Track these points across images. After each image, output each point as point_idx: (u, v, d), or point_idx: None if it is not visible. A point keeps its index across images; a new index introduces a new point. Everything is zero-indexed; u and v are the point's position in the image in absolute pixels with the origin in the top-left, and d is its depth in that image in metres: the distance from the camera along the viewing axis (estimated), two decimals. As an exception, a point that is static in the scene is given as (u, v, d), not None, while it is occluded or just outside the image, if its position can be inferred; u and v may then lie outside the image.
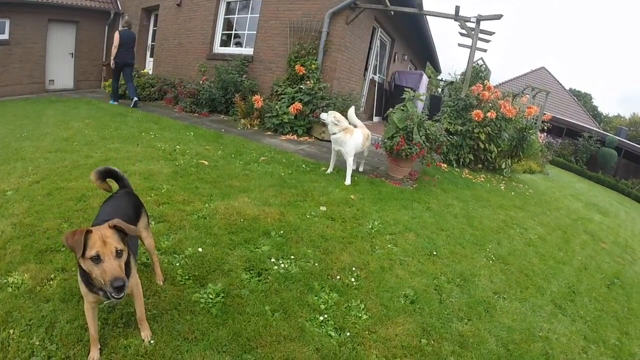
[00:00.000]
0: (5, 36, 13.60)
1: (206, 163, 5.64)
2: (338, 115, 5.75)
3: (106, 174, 2.67)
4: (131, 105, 10.64)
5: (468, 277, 3.53)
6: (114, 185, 2.79)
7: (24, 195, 4.12)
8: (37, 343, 2.16)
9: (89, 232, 1.85)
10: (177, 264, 3.01)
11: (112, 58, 10.89)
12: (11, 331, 2.23)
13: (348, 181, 5.52)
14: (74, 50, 15.80)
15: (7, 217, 3.60)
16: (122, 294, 1.84)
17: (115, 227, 1.92)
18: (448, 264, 3.71)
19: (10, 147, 5.98)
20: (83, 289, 2.01)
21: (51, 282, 2.67)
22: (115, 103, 11.33)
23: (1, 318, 2.31)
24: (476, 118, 7.80)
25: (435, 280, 3.34)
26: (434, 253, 3.85)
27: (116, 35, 10.81)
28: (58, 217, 3.63)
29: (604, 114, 55.26)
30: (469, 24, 8.27)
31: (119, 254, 1.86)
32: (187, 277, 2.86)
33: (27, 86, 14.23)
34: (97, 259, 1.82)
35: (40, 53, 14.56)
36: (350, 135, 5.66)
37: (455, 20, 8.37)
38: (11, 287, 2.60)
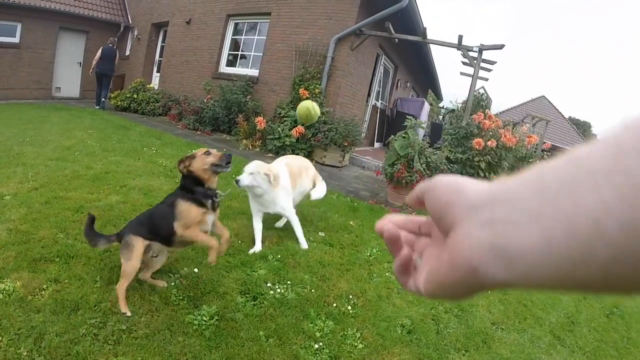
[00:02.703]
0: (16, 40, 13.96)
1: (206, 182, 5.66)
2: (260, 163, 3.99)
3: None
4: (98, 106, 13.03)
5: (466, 307, 3.51)
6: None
7: (22, 201, 4.13)
8: (25, 354, 2.14)
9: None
10: (172, 284, 2.99)
11: (92, 68, 13.18)
12: None
13: (304, 244, 4.04)
14: (82, 60, 16.10)
15: (3, 222, 3.59)
16: (230, 164, 2.82)
17: None
18: (446, 294, 3.70)
19: (12, 150, 6.02)
20: (195, 211, 2.63)
21: (43, 292, 2.65)
22: (97, 107, 13.09)
23: None
24: (477, 146, 7.83)
25: (432, 310, 3.32)
26: (432, 283, 3.84)
27: (99, 49, 13.18)
28: (54, 226, 3.62)
29: (603, 142, 55.56)
30: (471, 53, 8.40)
31: None
32: (181, 297, 2.85)
33: (33, 91, 14.48)
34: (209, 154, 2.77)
35: (49, 59, 14.88)
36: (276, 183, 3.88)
37: (458, 49, 8.50)
38: (2, 293, 2.58)
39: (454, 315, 3.35)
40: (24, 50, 14.20)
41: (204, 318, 2.66)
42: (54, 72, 15.36)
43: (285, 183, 4.03)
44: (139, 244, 2.63)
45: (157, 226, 2.72)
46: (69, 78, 15.98)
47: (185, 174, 2.75)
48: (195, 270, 3.22)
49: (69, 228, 3.62)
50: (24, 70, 14.36)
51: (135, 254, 2.60)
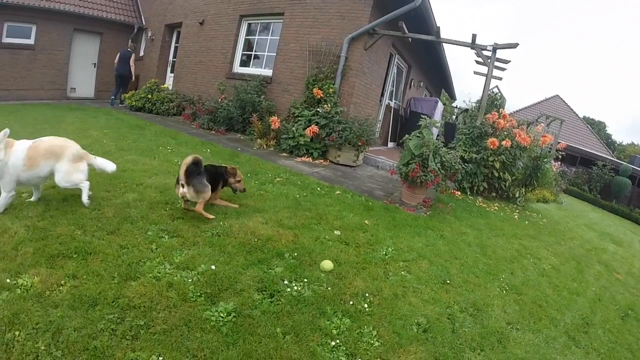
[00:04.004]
0: (31, 41, 14.16)
1: (221, 181, 5.70)
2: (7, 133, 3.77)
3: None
4: (110, 103, 14.15)
5: (481, 306, 3.51)
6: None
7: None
8: (42, 348, 2.17)
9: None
10: (190, 280, 3.01)
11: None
12: (17, 333, 2.24)
13: None
14: (97, 61, 16.31)
15: (21, 219, 3.65)
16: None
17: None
18: (461, 293, 3.68)
19: None
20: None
21: (61, 288, 2.69)
22: (112, 107, 13.71)
23: (8, 319, 2.33)
24: (491, 146, 7.80)
25: (448, 309, 3.32)
26: (447, 281, 3.83)
27: (118, 53, 14.62)
28: (72, 223, 3.67)
29: (618, 142, 54.97)
30: (485, 52, 8.34)
31: None
32: (199, 294, 2.87)
33: (48, 92, 14.70)
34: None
35: (64, 61, 15.09)
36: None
37: (472, 48, 8.45)
38: (20, 288, 2.62)
39: (470, 315, 3.35)
40: (39, 52, 14.40)
41: (222, 314, 2.67)
42: (69, 73, 15.56)
43: (15, 161, 3.70)
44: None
45: None
46: (83, 79, 16.18)
47: None
48: (213, 267, 3.24)
49: (87, 225, 3.66)
50: (39, 71, 14.57)
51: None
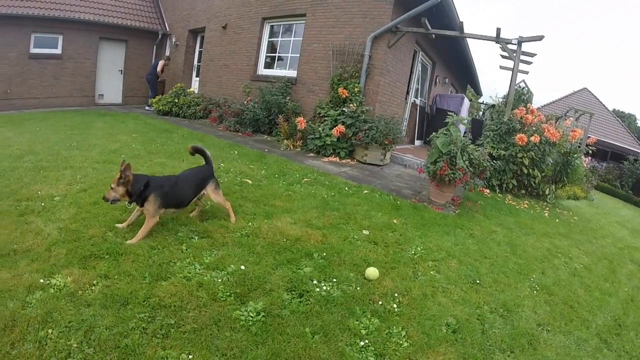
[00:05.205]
0: (58, 51, 14.55)
1: (250, 182, 5.75)
2: None
3: (198, 151, 4.20)
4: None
5: (511, 307, 3.46)
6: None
7: (71, 201, 4.32)
8: (75, 345, 2.23)
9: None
10: (219, 280, 3.06)
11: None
12: (50, 331, 2.31)
13: None
14: (123, 68, 16.64)
15: (54, 222, 3.78)
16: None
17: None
18: (491, 293, 3.64)
19: (60, 155, 6.28)
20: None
21: (93, 288, 2.77)
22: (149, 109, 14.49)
23: (41, 317, 2.40)
24: (520, 142, 7.67)
25: (478, 310, 3.29)
26: (477, 281, 3.80)
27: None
28: (103, 225, 3.78)
29: (649, 135, 53.23)
30: (510, 46, 8.21)
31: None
32: (228, 293, 2.91)
33: (77, 99, 15.08)
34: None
35: (90, 68, 15.45)
36: None
37: (497, 42, 8.33)
38: (53, 288, 2.71)
39: (500, 315, 3.30)
40: (67, 61, 14.84)
41: (251, 314, 2.71)
42: (96, 80, 15.96)
43: None
44: None
45: None
46: (111, 85, 16.57)
47: None
48: (242, 267, 3.29)
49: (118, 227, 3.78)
50: (67, 80, 15.00)
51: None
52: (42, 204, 4.21)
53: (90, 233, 3.59)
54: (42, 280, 2.78)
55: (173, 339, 2.39)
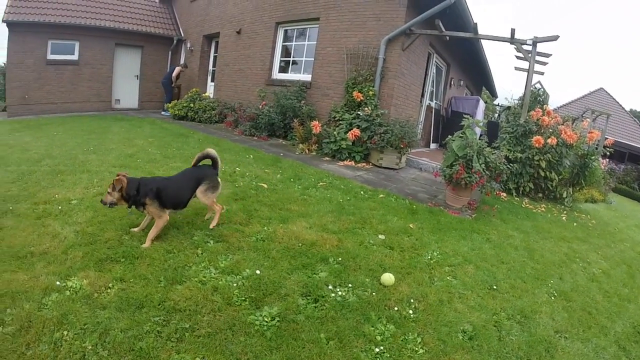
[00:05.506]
0: (75, 57, 14.90)
1: (265, 186, 5.77)
2: None
3: (206, 157, 4.09)
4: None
5: (529, 313, 3.40)
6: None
7: (87, 205, 4.39)
8: (90, 347, 2.26)
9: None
10: (234, 285, 3.07)
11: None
12: (65, 332, 2.34)
13: None
14: (139, 73, 16.92)
15: (71, 225, 3.84)
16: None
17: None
18: (508, 299, 3.59)
19: (77, 159, 6.39)
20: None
21: (109, 291, 2.80)
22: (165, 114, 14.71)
23: (57, 319, 2.44)
24: (536, 144, 7.58)
25: (494, 316, 3.24)
26: (494, 287, 3.75)
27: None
28: (119, 229, 3.84)
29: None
30: (525, 47, 8.13)
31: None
32: (243, 298, 2.92)
33: (94, 104, 15.40)
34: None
35: (107, 74, 15.76)
36: None
37: (511, 43, 8.26)
38: (69, 290, 2.75)
39: (517, 322, 3.25)
40: (83, 67, 15.17)
41: (266, 319, 2.71)
42: (113, 85, 16.26)
43: None
44: None
45: None
46: (127, 90, 16.86)
47: None
48: (257, 271, 3.30)
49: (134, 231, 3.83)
50: (84, 85, 15.32)
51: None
52: (59, 207, 4.28)
53: (107, 236, 3.65)
54: (58, 283, 2.82)
55: (187, 343, 2.40)
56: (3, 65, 17.99)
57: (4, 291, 2.69)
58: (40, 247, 3.36)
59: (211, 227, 4.05)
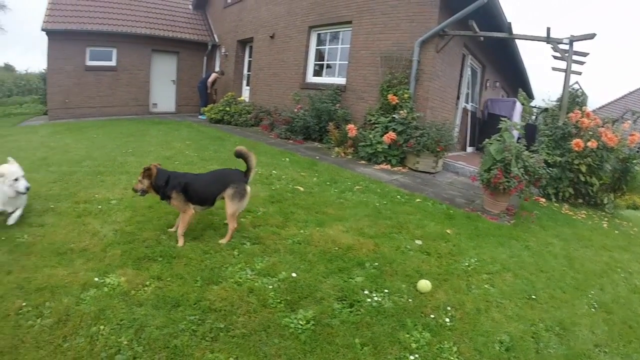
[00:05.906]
0: (113, 63, 15.43)
1: (302, 189, 5.83)
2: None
3: (241, 155, 3.95)
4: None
5: (568, 325, 3.29)
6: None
7: (126, 205, 4.55)
8: (125, 342, 2.34)
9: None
10: (270, 287, 3.12)
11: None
12: (101, 327, 2.44)
13: None
14: (176, 78, 17.32)
15: (110, 224, 4.00)
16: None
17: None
18: (547, 310, 3.49)
19: (116, 161, 6.60)
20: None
21: (146, 288, 2.89)
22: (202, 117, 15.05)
23: (94, 314, 2.54)
24: (576, 148, 7.34)
25: (532, 327, 3.15)
26: (533, 297, 3.65)
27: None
28: (157, 228, 3.96)
29: None
30: (561, 46, 7.93)
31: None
32: (278, 300, 2.96)
33: (132, 108, 15.87)
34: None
35: (144, 79, 16.22)
36: None
37: (547, 42, 8.05)
38: (107, 287, 2.86)
39: (555, 334, 3.14)
40: (121, 72, 15.71)
41: (300, 322, 2.74)
42: (150, 89, 16.74)
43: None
44: None
45: None
46: (164, 95, 17.30)
47: None
48: (293, 274, 3.34)
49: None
50: (123, 90, 15.86)
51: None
52: (99, 207, 4.45)
53: (145, 236, 3.77)
54: (96, 279, 2.94)
55: (222, 342, 2.45)
56: (44, 71, 18.68)
57: (43, 285, 2.83)
58: (80, 244, 3.50)
59: (220, 242, 3.84)
